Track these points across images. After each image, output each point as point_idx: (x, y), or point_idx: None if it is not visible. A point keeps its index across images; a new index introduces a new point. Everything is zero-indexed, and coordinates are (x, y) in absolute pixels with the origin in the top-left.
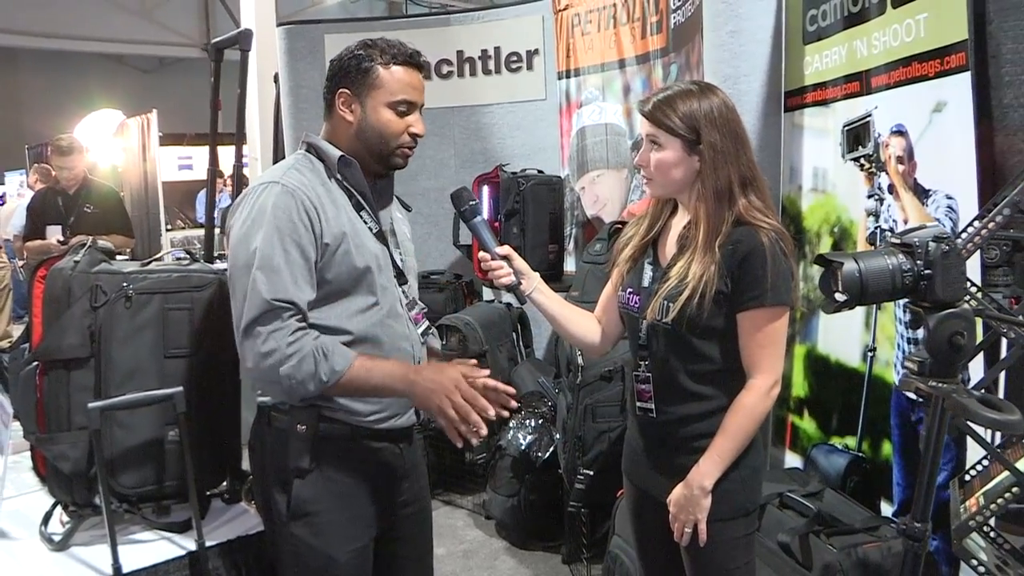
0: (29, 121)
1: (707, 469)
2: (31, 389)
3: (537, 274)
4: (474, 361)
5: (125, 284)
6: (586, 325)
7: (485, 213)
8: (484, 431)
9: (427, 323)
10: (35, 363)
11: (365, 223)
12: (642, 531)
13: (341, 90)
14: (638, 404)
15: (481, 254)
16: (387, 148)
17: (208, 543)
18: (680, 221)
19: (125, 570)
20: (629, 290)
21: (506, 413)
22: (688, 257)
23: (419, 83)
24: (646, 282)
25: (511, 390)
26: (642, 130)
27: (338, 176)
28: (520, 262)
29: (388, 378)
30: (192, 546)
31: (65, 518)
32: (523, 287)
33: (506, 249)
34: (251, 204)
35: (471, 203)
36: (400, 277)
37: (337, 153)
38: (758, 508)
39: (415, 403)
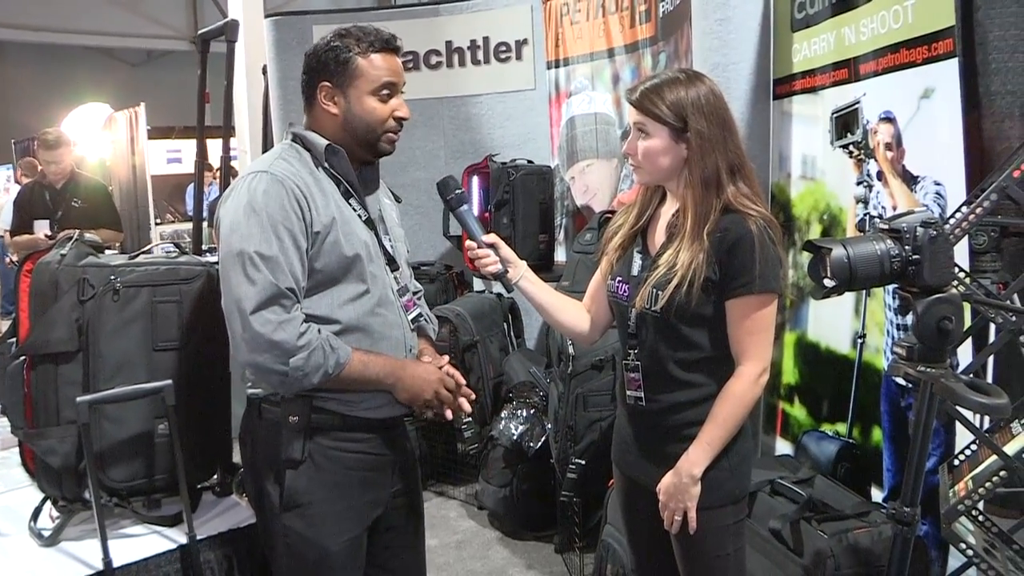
0: (16, 115)
1: (697, 457)
2: (19, 384)
3: (524, 263)
4: (446, 357)
5: (113, 277)
6: (574, 314)
7: (476, 203)
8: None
9: (419, 310)
10: (22, 357)
11: (354, 210)
12: (632, 520)
13: (322, 84)
14: (627, 393)
15: (468, 242)
16: (374, 135)
17: (199, 536)
18: (669, 209)
19: (116, 564)
20: (618, 279)
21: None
22: (677, 245)
23: (398, 66)
24: (635, 271)
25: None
26: (629, 118)
27: (325, 164)
28: (507, 250)
29: (380, 372)
30: (183, 539)
31: (55, 513)
32: (510, 275)
33: (492, 237)
34: (240, 193)
35: (457, 191)
36: (391, 264)
37: (324, 142)
38: (747, 495)
39: (401, 397)
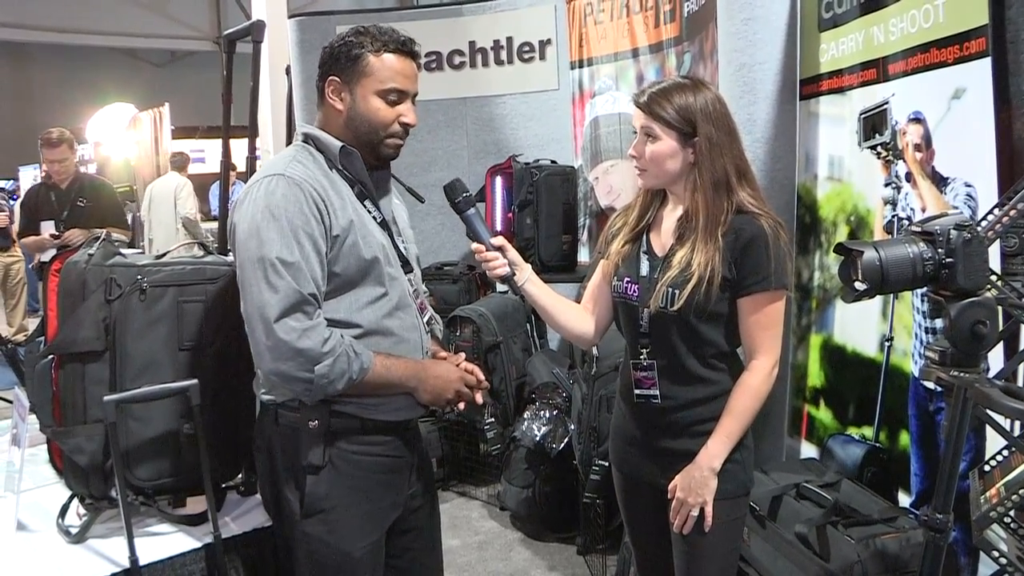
0: (42, 116)
1: (717, 450)
2: (47, 382)
3: (529, 265)
4: (463, 355)
5: (139, 277)
6: (576, 317)
7: (499, 204)
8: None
9: (431, 312)
10: (50, 356)
11: (368, 212)
12: (635, 520)
13: (331, 78)
14: (636, 392)
15: (474, 245)
16: (376, 137)
17: (224, 535)
18: (671, 212)
19: (142, 562)
20: (626, 279)
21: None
22: (689, 246)
23: (411, 71)
24: (644, 271)
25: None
26: (636, 122)
27: (339, 166)
28: (513, 253)
29: (402, 375)
30: (208, 538)
31: (82, 510)
32: (516, 278)
33: (500, 240)
34: (258, 197)
35: (464, 195)
36: (406, 266)
37: (338, 143)
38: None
39: (423, 398)
